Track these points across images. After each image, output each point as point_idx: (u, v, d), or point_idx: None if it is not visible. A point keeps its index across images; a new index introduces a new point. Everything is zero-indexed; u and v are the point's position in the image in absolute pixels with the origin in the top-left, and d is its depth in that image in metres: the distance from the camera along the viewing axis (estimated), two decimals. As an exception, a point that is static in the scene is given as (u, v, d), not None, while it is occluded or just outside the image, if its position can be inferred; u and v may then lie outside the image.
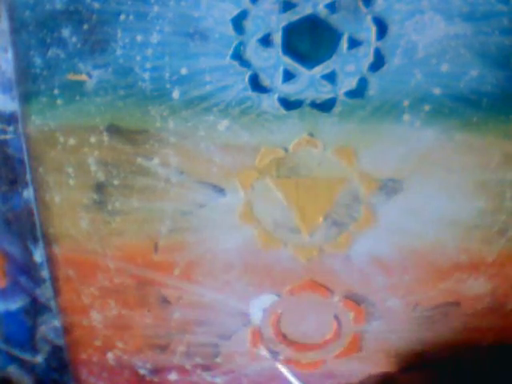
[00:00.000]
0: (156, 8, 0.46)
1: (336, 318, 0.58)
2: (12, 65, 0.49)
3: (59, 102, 0.50)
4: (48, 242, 0.56)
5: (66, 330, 0.61)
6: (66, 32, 0.47)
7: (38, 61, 0.49)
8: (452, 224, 0.53)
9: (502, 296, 0.56)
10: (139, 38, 0.47)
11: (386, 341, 0.59)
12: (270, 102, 0.49)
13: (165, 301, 0.57)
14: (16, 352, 0.66)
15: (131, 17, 0.46)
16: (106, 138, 0.51)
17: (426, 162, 0.51)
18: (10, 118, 0.51)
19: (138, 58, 0.48)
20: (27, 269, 0.59)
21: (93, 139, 0.51)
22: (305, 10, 0.46)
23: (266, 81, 0.48)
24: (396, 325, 0.58)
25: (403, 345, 0.59)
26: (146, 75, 0.48)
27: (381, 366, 0.61)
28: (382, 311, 0.57)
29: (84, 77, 0.48)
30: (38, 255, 0.58)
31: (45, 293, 0.60)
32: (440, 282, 0.56)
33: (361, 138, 0.50)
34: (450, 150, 0.50)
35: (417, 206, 0.52)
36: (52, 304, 0.60)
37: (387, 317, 0.58)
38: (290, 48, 0.47)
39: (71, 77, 0.49)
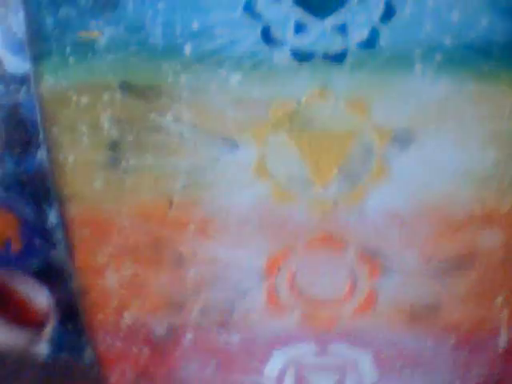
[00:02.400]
0: (167, -39, 0.47)
1: (351, 272, 0.59)
2: (23, 25, 0.51)
3: (71, 60, 0.52)
4: (62, 203, 0.58)
5: (82, 291, 0.63)
6: (76, -11, 0.48)
7: (49, 20, 0.50)
8: (465, 175, 0.54)
9: None
10: (150, -8, 0.48)
11: (402, 295, 0.60)
12: (281, 55, 0.50)
13: (180, 258, 0.59)
14: (31, 316, 0.68)
15: (142, -29, 0.48)
16: (118, 95, 0.53)
17: (438, 113, 0.52)
18: (23, 80, 0.54)
19: (150, 13, 0.49)
20: (42, 231, 0.62)
21: (106, 97, 0.53)
22: (315, -40, 0.47)
23: (277, 33, 0.50)
24: (411, 278, 0.59)
25: (418, 299, 0.60)
26: (158, 30, 0.50)
27: (395, 321, 0.61)
28: (397, 265, 0.58)
29: (95, 34, 0.50)
30: (53, 217, 0.60)
31: (60, 254, 0.63)
32: (454, 234, 0.57)
33: (373, 89, 0.51)
34: (462, 99, 0.51)
35: (430, 158, 0.54)
36: (67, 266, 0.62)
37: (402, 270, 0.59)
38: None
39: (83, 35, 0.50)
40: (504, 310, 0.62)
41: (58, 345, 0.70)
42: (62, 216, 0.59)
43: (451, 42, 0.50)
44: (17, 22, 0.52)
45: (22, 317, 0.71)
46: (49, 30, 0.51)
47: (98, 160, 0.56)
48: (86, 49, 0.51)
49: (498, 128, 0.53)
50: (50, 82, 0.53)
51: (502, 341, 0.63)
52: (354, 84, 0.52)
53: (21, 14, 0.51)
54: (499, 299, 0.61)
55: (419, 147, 0.54)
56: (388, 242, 0.58)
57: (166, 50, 0.51)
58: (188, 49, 0.51)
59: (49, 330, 0.70)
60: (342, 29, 0.50)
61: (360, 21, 0.50)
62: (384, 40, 0.50)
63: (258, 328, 0.63)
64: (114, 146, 0.55)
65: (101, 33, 0.50)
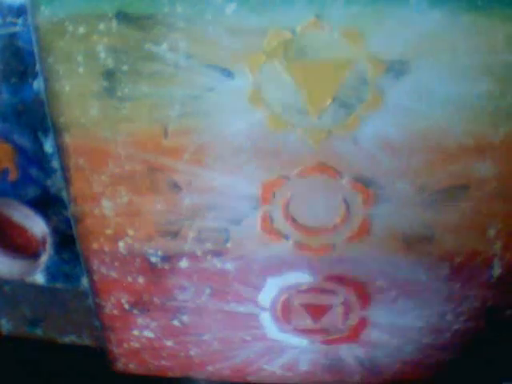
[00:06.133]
0: None
1: (345, 200, 0.63)
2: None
3: (67, -10, 0.53)
4: (58, 132, 0.61)
5: (77, 219, 0.67)
6: None
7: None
8: (459, 106, 0.57)
9: (510, 180, 0.61)
10: None
11: (395, 224, 0.64)
12: (277, -17, 0.52)
13: (175, 186, 0.63)
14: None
15: None
16: (114, 24, 0.56)
17: (432, 44, 0.54)
18: (19, 11, 0.57)
19: None
20: (38, 160, 0.65)
21: (102, 26, 0.56)
22: None
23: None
24: (404, 208, 0.62)
25: (411, 229, 0.64)
26: (154, -41, 0.52)
27: (389, 250, 0.65)
28: (390, 194, 0.62)
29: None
30: (49, 145, 0.64)
31: (56, 183, 0.66)
32: (447, 165, 0.60)
33: (368, 19, 0.54)
34: (456, 31, 0.54)
35: (424, 88, 0.56)
36: (63, 194, 0.66)
37: (395, 200, 0.62)
38: None
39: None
40: (497, 242, 0.65)
41: (53, 274, 0.74)
42: (58, 145, 0.62)
43: (445, -27, 0.52)
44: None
45: (18, 246, 0.75)
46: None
47: (93, 89, 0.59)
48: (81, -22, 0.53)
49: (492, 61, 0.56)
50: (46, 13, 0.56)
51: (495, 273, 0.67)
52: (349, 14, 0.54)
53: None
54: (492, 231, 0.65)
55: (413, 78, 0.56)
56: (381, 171, 0.61)
57: (161, -21, 0.53)
58: (183, -22, 0.53)
59: (44, 258, 0.72)
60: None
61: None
62: (379, -30, 0.52)
63: (253, 256, 0.67)
64: (110, 75, 0.58)
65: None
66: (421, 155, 0.60)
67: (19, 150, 0.65)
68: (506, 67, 0.55)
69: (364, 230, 0.64)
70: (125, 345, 0.76)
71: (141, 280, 0.71)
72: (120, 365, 0.79)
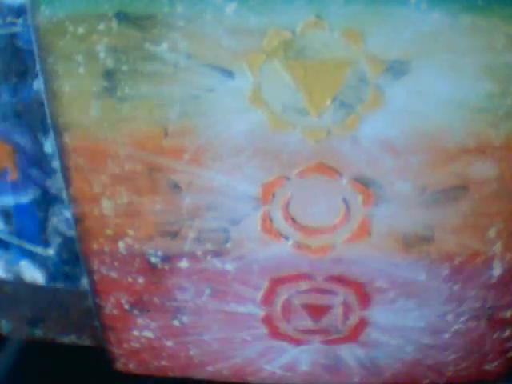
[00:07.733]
0: None
1: (344, 201, 0.63)
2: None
3: (67, -10, 0.54)
4: (58, 132, 0.61)
5: (78, 220, 0.67)
6: None
7: (45, -51, 0.52)
8: (459, 106, 0.57)
9: (510, 180, 0.61)
10: None
11: (395, 225, 0.64)
12: (276, -17, 0.52)
13: (175, 186, 0.63)
14: (28, 246, 0.72)
15: None
16: (114, 24, 0.56)
17: (432, 44, 0.55)
18: (19, 10, 0.57)
19: None
20: (38, 160, 0.65)
21: (102, 26, 0.56)
22: None
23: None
24: (404, 208, 0.62)
25: (411, 229, 0.64)
26: (154, -41, 0.52)
27: (389, 251, 0.65)
28: (390, 194, 0.62)
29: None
30: (49, 146, 0.64)
31: (56, 183, 0.66)
32: (447, 165, 0.60)
33: (368, 19, 0.54)
34: (456, 32, 0.54)
35: (424, 88, 0.56)
36: (63, 194, 0.66)
37: (395, 200, 0.62)
38: None
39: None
40: (497, 242, 0.65)
41: (53, 274, 0.74)
42: (58, 145, 0.62)
43: (445, -26, 0.52)
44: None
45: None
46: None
47: (93, 89, 0.59)
48: (81, -22, 0.53)
49: (492, 61, 0.56)
50: (46, 13, 0.56)
51: (495, 273, 0.67)
52: (348, 14, 0.54)
53: None
54: (492, 231, 0.65)
55: (413, 78, 0.56)
56: (381, 171, 0.61)
57: (161, -21, 0.53)
58: (183, -22, 0.53)
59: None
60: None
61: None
62: (379, -30, 0.52)
63: (252, 256, 0.67)
64: (110, 75, 0.58)
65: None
66: (421, 155, 0.60)
67: (19, 150, 0.65)
68: (506, 67, 0.55)
69: (364, 231, 0.64)
70: (125, 345, 0.76)
71: (141, 280, 0.71)
72: (120, 365, 0.79)
